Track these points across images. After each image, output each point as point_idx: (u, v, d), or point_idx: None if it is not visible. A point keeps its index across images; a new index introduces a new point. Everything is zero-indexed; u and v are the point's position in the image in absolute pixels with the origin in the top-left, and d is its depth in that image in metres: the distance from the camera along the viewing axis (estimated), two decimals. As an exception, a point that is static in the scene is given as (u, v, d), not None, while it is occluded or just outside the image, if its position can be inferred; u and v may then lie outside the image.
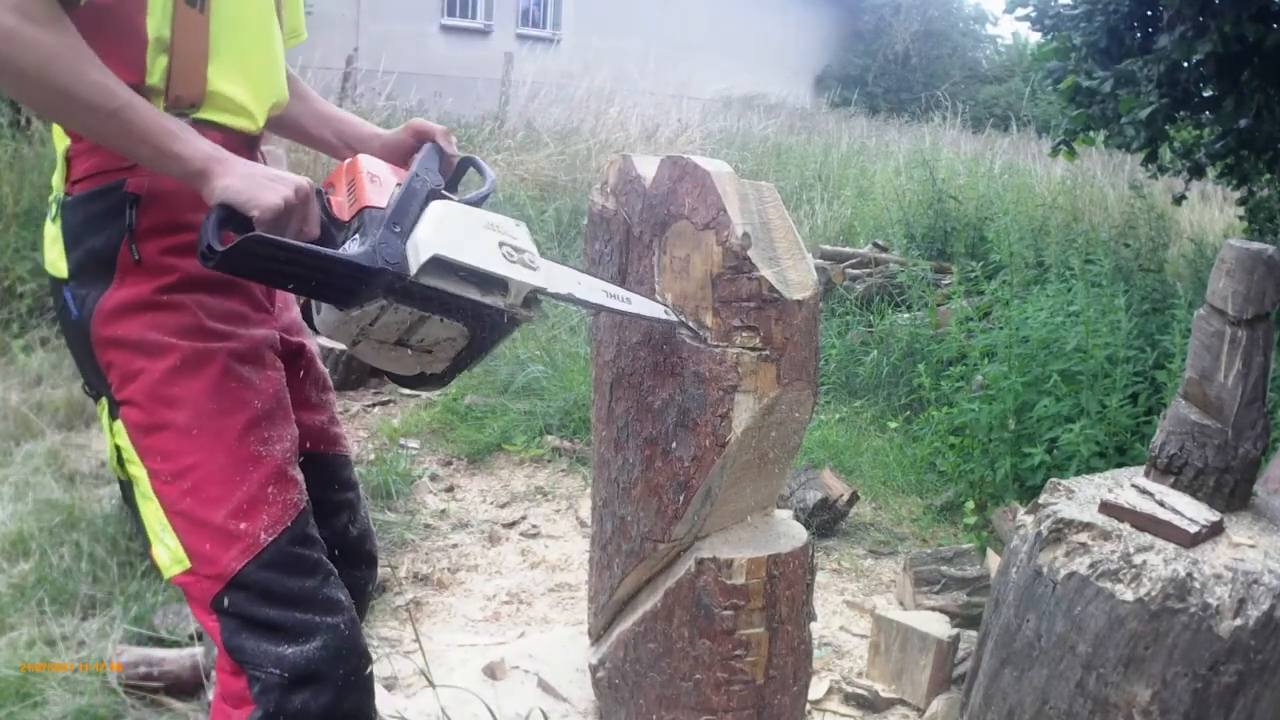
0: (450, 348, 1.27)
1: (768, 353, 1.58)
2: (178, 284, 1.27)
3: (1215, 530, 1.47)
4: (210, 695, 1.37)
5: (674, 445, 1.65)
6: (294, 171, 1.40)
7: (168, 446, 1.26)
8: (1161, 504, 1.49)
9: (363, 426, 3.94)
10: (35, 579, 2.48)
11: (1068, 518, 1.50)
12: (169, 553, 1.28)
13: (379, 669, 2.18)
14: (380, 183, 1.28)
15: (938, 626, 2.31)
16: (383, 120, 7.28)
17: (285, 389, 1.39)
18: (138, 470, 1.28)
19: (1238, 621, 1.33)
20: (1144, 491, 1.53)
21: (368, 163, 1.32)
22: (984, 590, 2.60)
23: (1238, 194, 6.06)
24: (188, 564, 1.27)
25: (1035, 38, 6.31)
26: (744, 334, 1.57)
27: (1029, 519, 1.57)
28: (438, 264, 1.17)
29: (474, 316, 1.23)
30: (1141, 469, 1.66)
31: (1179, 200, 5.95)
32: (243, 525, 1.26)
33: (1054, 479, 1.65)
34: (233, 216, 1.15)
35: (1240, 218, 6.15)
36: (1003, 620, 1.56)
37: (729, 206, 1.56)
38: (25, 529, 2.70)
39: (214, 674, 1.34)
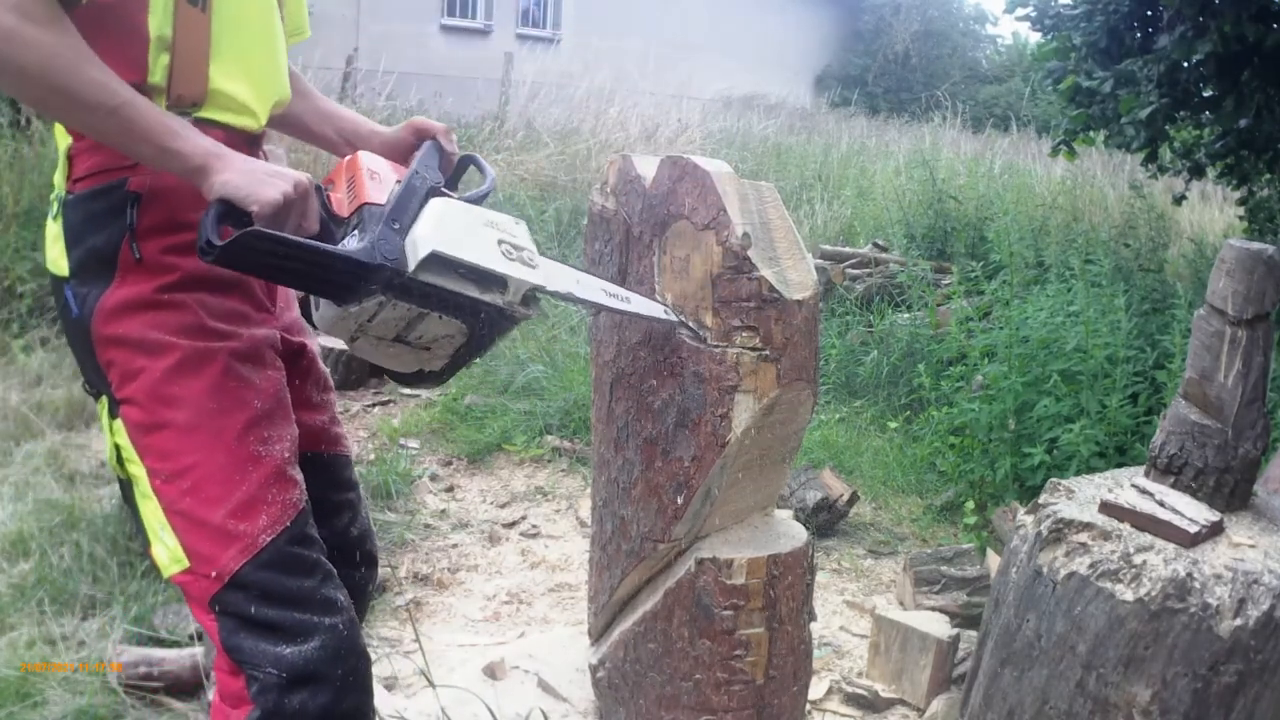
0: (449, 345, 1.27)
1: (768, 353, 1.58)
2: (179, 283, 1.27)
3: (1215, 530, 1.47)
4: (210, 695, 1.37)
5: (674, 445, 1.65)
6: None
7: (167, 446, 1.26)
8: (1161, 504, 1.49)
9: (363, 426, 3.94)
10: (35, 579, 2.48)
11: (1068, 518, 1.50)
12: (168, 552, 1.28)
13: (379, 669, 2.18)
14: (380, 180, 1.28)
15: (938, 626, 2.31)
16: (383, 120, 7.27)
17: (286, 389, 1.39)
18: (137, 469, 1.28)
19: (1238, 621, 1.33)
20: (1144, 491, 1.53)
21: (368, 160, 1.32)
22: (984, 590, 2.60)
23: (1238, 194, 6.06)
24: (186, 563, 1.27)
25: (1035, 38, 6.31)
26: (744, 334, 1.57)
27: (1029, 519, 1.57)
28: (436, 260, 1.17)
29: (473, 314, 1.23)
30: (1141, 469, 1.66)
31: (1179, 200, 5.95)
32: (241, 525, 1.26)
33: (1054, 479, 1.65)
34: (232, 211, 1.15)
35: (1240, 218, 6.15)
36: (1003, 620, 1.56)
37: (729, 206, 1.56)
38: (25, 529, 2.70)
39: (214, 674, 1.33)
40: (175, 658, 2.15)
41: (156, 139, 1.15)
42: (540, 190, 6.85)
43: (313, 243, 1.14)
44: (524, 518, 3.25)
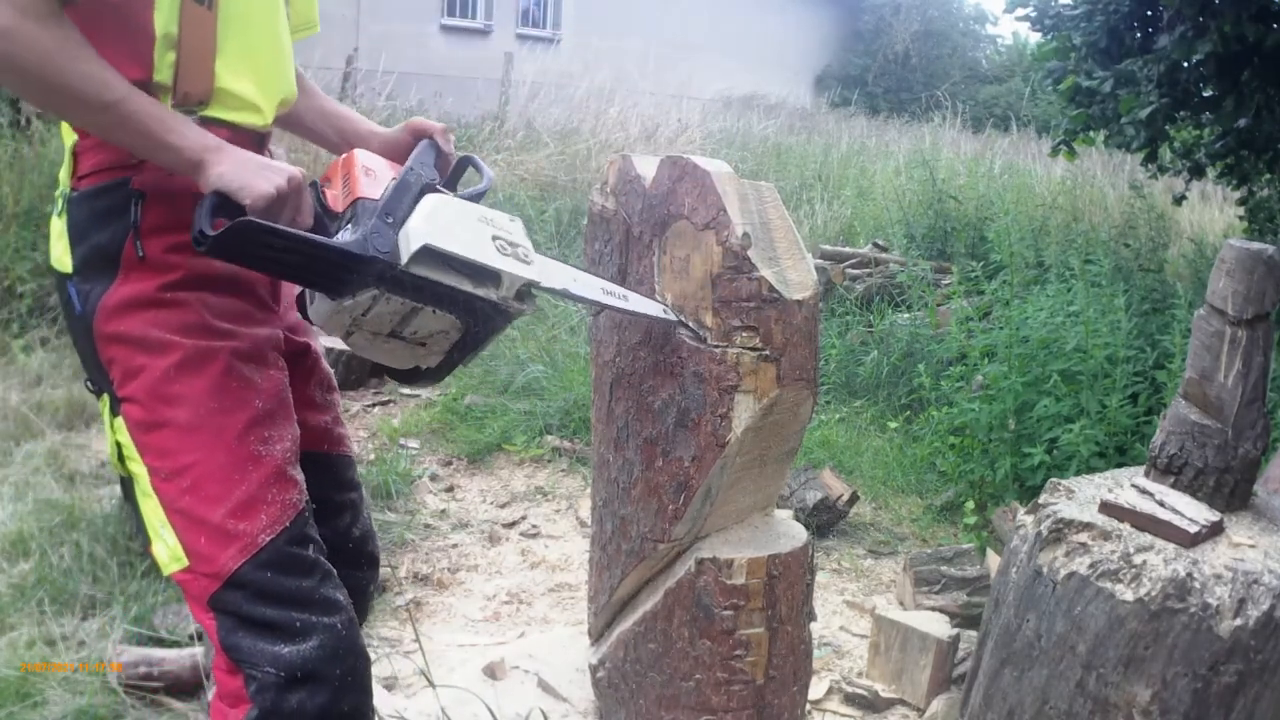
0: (444, 340, 1.27)
1: (768, 353, 1.57)
2: (182, 281, 1.27)
3: (1215, 530, 1.47)
4: (210, 695, 1.37)
5: (674, 445, 1.65)
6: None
7: (168, 444, 1.26)
8: (1161, 504, 1.49)
9: (363, 426, 3.94)
10: (35, 579, 2.48)
11: (1068, 518, 1.50)
12: (168, 550, 1.28)
13: (379, 669, 2.18)
14: (375, 176, 1.29)
15: (938, 626, 2.31)
16: (383, 120, 7.26)
17: (287, 389, 1.39)
18: (138, 467, 1.29)
19: (1238, 621, 1.33)
20: (1144, 491, 1.53)
21: (363, 157, 1.33)
22: (984, 590, 2.60)
23: (1238, 194, 6.06)
24: (186, 562, 1.27)
25: (1035, 38, 6.31)
26: (744, 334, 1.57)
27: (1029, 519, 1.57)
28: (429, 254, 1.17)
29: (466, 308, 1.23)
30: (1141, 469, 1.66)
31: (1179, 200, 5.95)
32: (241, 524, 1.26)
33: (1054, 479, 1.65)
34: (226, 204, 1.16)
35: (1240, 218, 6.15)
36: (1003, 620, 1.56)
37: (729, 206, 1.56)
38: (25, 529, 2.70)
39: (213, 673, 1.34)
40: (175, 658, 2.15)
41: (153, 134, 1.16)
42: (540, 190, 6.85)
43: (305, 234, 1.15)
44: (524, 518, 3.25)
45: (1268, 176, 5.54)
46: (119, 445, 1.30)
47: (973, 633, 2.38)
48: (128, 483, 1.33)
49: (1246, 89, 4.55)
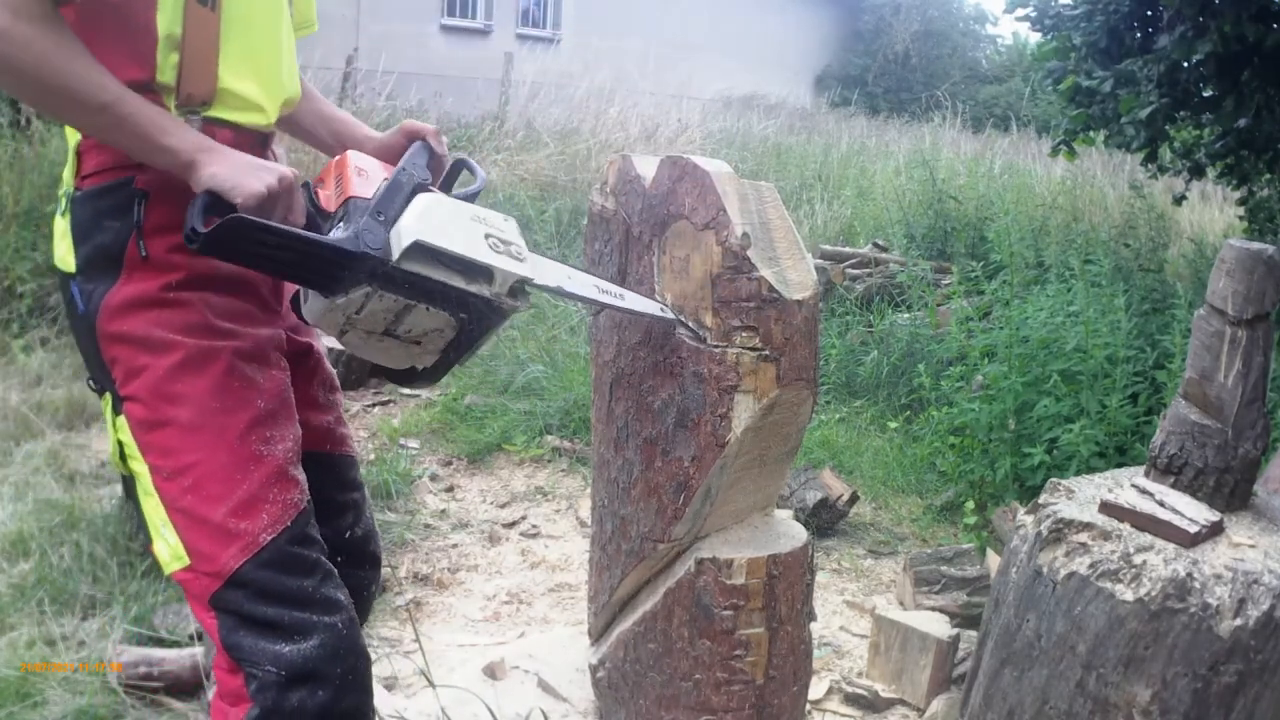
0: (439, 339, 1.27)
1: (768, 353, 1.57)
2: (185, 281, 1.27)
3: (1215, 530, 1.47)
4: (210, 695, 1.37)
5: (674, 445, 1.65)
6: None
7: (170, 443, 1.26)
8: (1161, 504, 1.49)
9: (363, 426, 3.94)
10: (35, 579, 2.48)
11: (1068, 518, 1.50)
12: (169, 549, 1.28)
13: (379, 669, 2.18)
14: (367, 176, 1.29)
15: (938, 626, 2.31)
16: (383, 120, 7.28)
17: (289, 389, 1.39)
18: (140, 466, 1.29)
19: (1238, 621, 1.33)
20: (1144, 491, 1.53)
21: (356, 158, 1.33)
22: (984, 590, 2.60)
23: (1238, 194, 6.06)
24: (187, 560, 1.27)
25: (1035, 38, 6.31)
26: (744, 334, 1.57)
27: (1029, 519, 1.57)
28: (420, 250, 1.17)
29: (460, 305, 1.23)
30: (1141, 469, 1.66)
31: (1179, 200, 5.95)
32: (242, 524, 1.26)
33: (1054, 479, 1.65)
34: (218, 202, 1.17)
35: (1240, 218, 6.15)
36: (1003, 620, 1.56)
37: (729, 206, 1.56)
38: (25, 529, 2.70)
39: (213, 672, 1.34)
40: (175, 658, 2.15)
41: (148, 135, 1.16)
42: (540, 190, 6.85)
43: (296, 230, 1.15)
44: (524, 518, 3.26)
45: (1268, 176, 5.54)
46: (121, 444, 1.30)
47: (973, 633, 2.38)
48: (129, 482, 1.33)
49: (1246, 89, 4.56)
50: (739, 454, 1.63)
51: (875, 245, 6.16)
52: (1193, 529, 1.43)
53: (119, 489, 2.91)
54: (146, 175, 1.24)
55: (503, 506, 3.34)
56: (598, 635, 2.00)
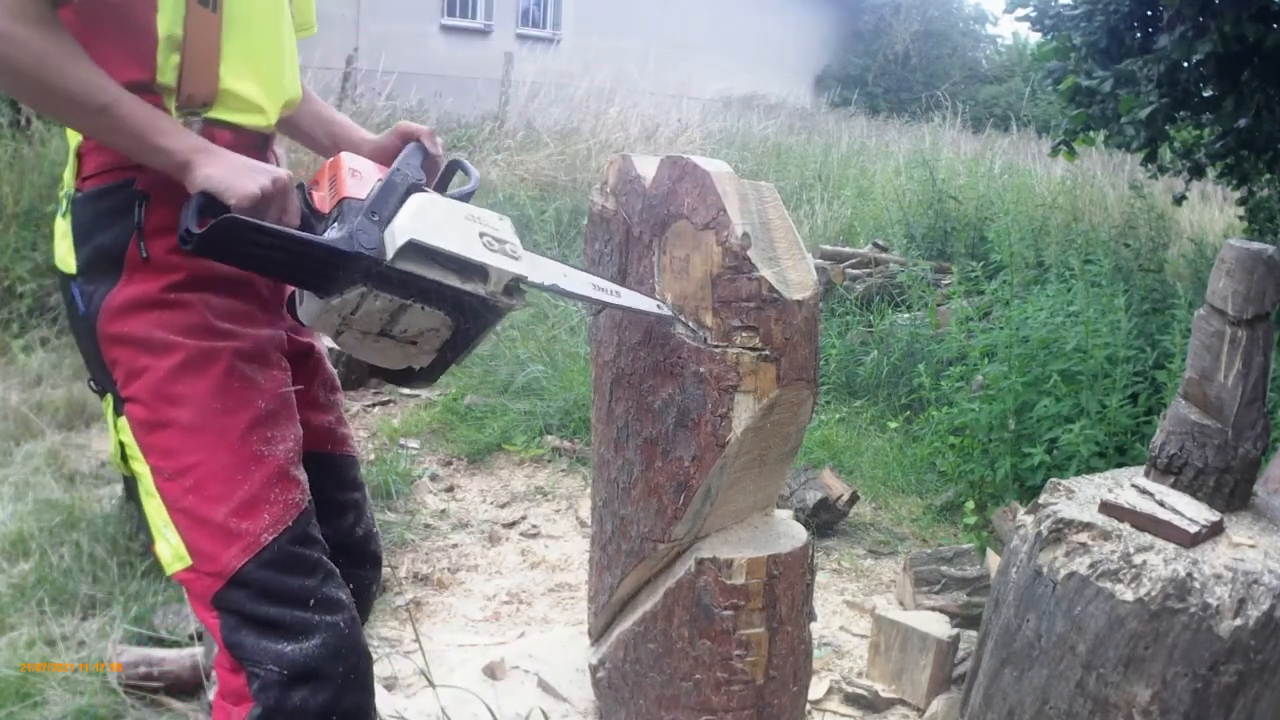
0: (434, 338, 1.27)
1: (768, 353, 1.58)
2: (185, 282, 1.27)
3: (1215, 530, 1.47)
4: (211, 694, 1.37)
5: (674, 445, 1.65)
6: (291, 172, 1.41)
7: (171, 444, 1.26)
8: (1161, 504, 1.49)
9: (363, 426, 3.94)
10: (35, 579, 2.48)
11: (1068, 518, 1.50)
12: (171, 549, 1.28)
13: (379, 669, 2.18)
14: (361, 177, 1.30)
15: (938, 626, 2.31)
16: (383, 120, 7.29)
17: (290, 389, 1.39)
18: (141, 467, 1.29)
19: (1238, 621, 1.33)
20: (1144, 491, 1.53)
21: (350, 159, 1.33)
22: (984, 590, 2.60)
23: (1238, 194, 6.06)
24: (189, 561, 1.27)
25: (1035, 38, 6.31)
26: (744, 334, 1.57)
27: (1029, 519, 1.57)
28: (414, 249, 1.17)
29: (455, 304, 1.23)
30: (1141, 469, 1.66)
31: (1179, 200, 5.95)
32: (243, 524, 1.26)
33: (1054, 479, 1.65)
34: (212, 204, 1.17)
35: (1240, 218, 6.15)
36: (1003, 620, 1.56)
37: (729, 206, 1.56)
38: (25, 529, 2.70)
39: (214, 673, 1.34)
40: (175, 658, 2.15)
41: (144, 135, 1.16)
42: (540, 190, 6.86)
43: (290, 230, 1.16)
44: (524, 518, 3.26)
45: (1268, 176, 5.54)
46: (122, 445, 1.30)
47: (973, 633, 2.38)
48: (131, 482, 1.33)
49: (1246, 89, 4.56)
50: (739, 454, 1.63)
51: (875, 245, 6.16)
52: (1193, 529, 1.43)
53: (119, 489, 2.91)
54: (147, 177, 1.24)
55: (503, 506, 3.34)
56: (598, 635, 2.00)
